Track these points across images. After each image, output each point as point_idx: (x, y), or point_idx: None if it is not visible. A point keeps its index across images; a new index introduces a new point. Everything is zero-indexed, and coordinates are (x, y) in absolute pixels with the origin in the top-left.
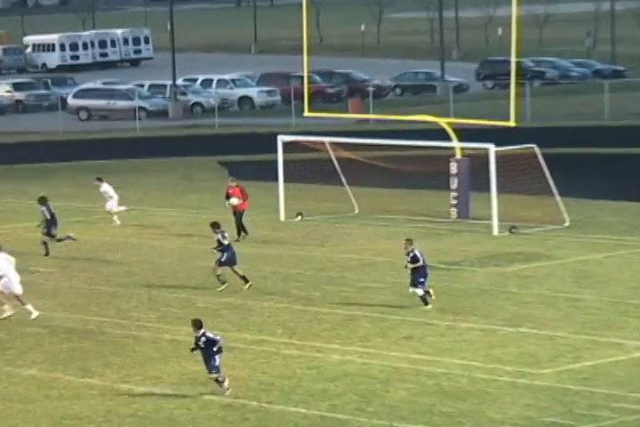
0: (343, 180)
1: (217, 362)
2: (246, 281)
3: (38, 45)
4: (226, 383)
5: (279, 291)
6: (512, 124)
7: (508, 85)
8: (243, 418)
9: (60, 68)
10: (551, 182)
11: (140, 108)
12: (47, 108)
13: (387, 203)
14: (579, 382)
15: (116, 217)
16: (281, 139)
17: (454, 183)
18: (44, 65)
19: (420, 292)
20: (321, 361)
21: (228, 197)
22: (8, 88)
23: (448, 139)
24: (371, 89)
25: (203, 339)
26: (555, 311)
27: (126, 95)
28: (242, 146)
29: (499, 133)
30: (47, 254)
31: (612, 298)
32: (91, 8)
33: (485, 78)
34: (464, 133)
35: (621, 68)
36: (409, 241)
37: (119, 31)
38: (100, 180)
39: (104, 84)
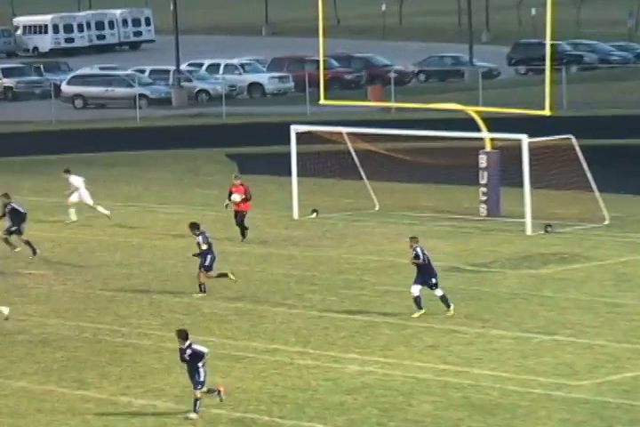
0: (362, 174)
1: (202, 377)
2: (226, 275)
3: (29, 27)
4: (219, 389)
5: (292, 295)
6: (547, 112)
7: (542, 71)
8: None
9: (53, 52)
10: (589, 176)
11: (141, 95)
12: (39, 96)
13: (409, 199)
14: (619, 395)
15: (72, 210)
16: (294, 129)
17: (484, 178)
18: (35, 48)
19: (439, 292)
20: (338, 372)
21: (230, 195)
22: None
23: (477, 129)
24: (392, 75)
25: (188, 351)
26: (593, 318)
27: (125, 82)
28: (251, 137)
29: (532, 123)
30: (35, 253)
31: None
32: None
33: (517, 63)
34: (494, 123)
35: None
36: (414, 239)
37: (118, 12)
38: (67, 171)
39: (101, 69)
